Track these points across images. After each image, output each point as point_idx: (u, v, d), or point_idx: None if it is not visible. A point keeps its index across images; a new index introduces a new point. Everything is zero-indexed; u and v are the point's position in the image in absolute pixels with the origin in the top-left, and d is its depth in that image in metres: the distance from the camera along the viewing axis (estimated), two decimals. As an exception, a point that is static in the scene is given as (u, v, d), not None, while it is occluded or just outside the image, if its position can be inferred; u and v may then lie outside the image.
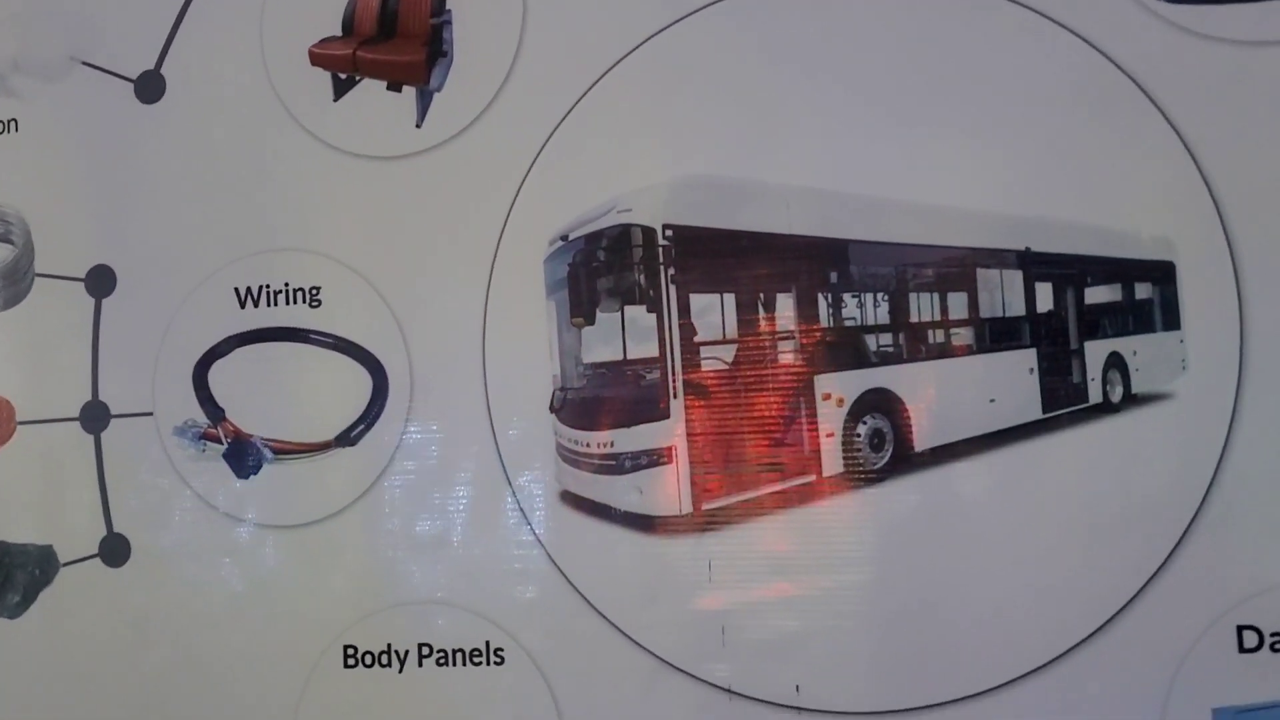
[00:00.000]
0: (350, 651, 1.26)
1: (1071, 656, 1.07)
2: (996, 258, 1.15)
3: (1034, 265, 1.14)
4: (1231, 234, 1.06)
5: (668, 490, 1.18)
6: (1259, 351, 1.05)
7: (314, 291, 1.30)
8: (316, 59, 1.32)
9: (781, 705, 1.14)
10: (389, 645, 1.25)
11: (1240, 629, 1.04)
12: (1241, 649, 1.04)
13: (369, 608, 1.26)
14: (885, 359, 1.17)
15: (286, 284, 1.31)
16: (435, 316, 1.26)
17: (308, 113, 1.32)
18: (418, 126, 1.28)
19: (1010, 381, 1.14)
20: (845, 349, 1.18)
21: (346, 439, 1.27)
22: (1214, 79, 1.07)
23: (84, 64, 1.38)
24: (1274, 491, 1.04)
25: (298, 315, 1.30)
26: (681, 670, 1.16)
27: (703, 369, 1.18)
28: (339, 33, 1.32)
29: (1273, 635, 1.04)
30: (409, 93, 1.29)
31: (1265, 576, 1.04)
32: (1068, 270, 1.13)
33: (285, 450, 1.30)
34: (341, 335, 1.29)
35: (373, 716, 1.25)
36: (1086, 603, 1.07)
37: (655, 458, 1.18)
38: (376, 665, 1.25)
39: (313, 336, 1.30)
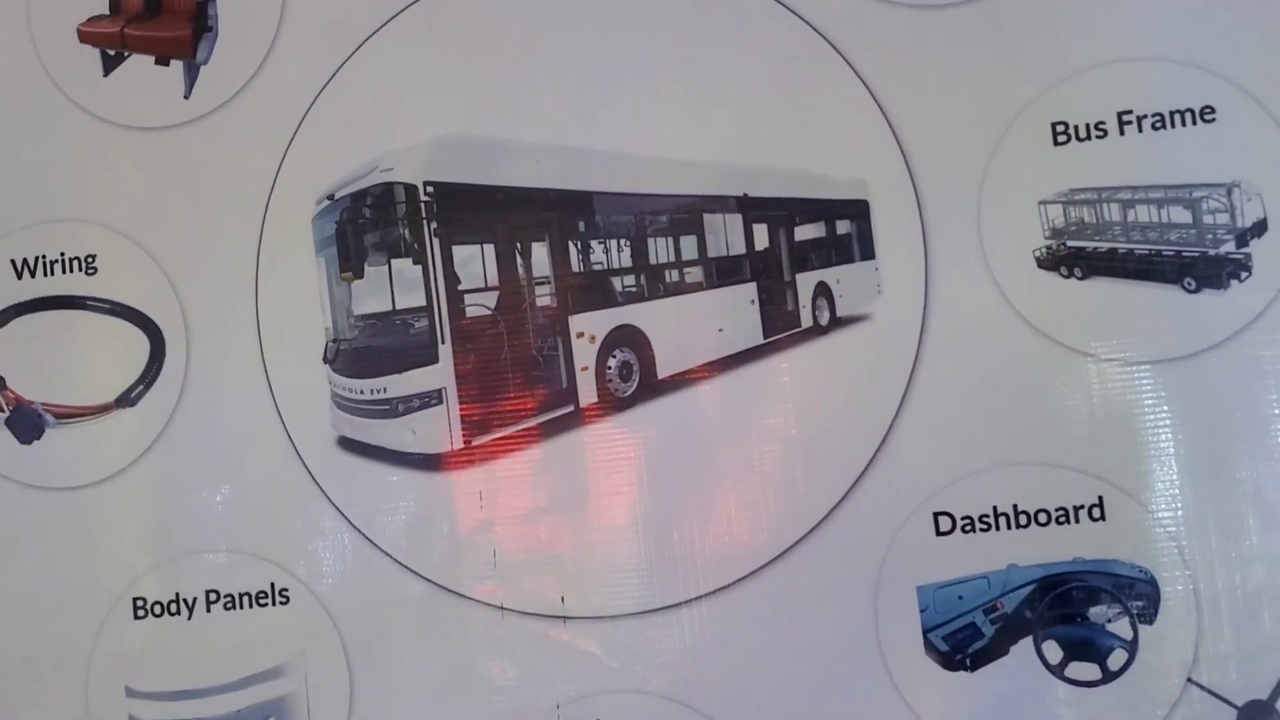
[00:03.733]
0: (140, 603, 1.30)
1: (794, 552, 1.21)
2: (719, 203, 1.28)
3: (751, 209, 1.28)
4: (915, 173, 1.21)
5: (439, 429, 1.27)
6: (941, 274, 1.21)
7: (90, 259, 1.34)
8: (85, 37, 1.37)
9: (549, 616, 1.24)
10: (177, 594, 1.30)
11: (936, 515, 1.20)
12: (938, 533, 1.20)
13: (156, 560, 1.31)
14: (630, 298, 1.29)
15: (63, 253, 1.35)
16: (209, 278, 1.32)
17: (78, 88, 1.36)
18: (186, 98, 1.34)
19: (735, 312, 1.27)
20: (595, 291, 1.29)
21: (127, 400, 1.32)
22: (897, 38, 1.23)
23: None
24: (958, 396, 1.20)
25: (75, 283, 1.34)
26: (456, 593, 1.26)
27: (468, 315, 1.28)
28: (106, 11, 1.37)
29: (963, 519, 1.19)
30: (177, 66, 1.34)
31: (955, 468, 1.20)
32: (779, 212, 1.28)
33: (66, 414, 1.33)
34: (118, 300, 1.33)
35: (164, 663, 1.30)
36: (804, 503, 1.21)
37: (426, 400, 1.27)
38: (166, 614, 1.30)
39: (90, 303, 1.34)
